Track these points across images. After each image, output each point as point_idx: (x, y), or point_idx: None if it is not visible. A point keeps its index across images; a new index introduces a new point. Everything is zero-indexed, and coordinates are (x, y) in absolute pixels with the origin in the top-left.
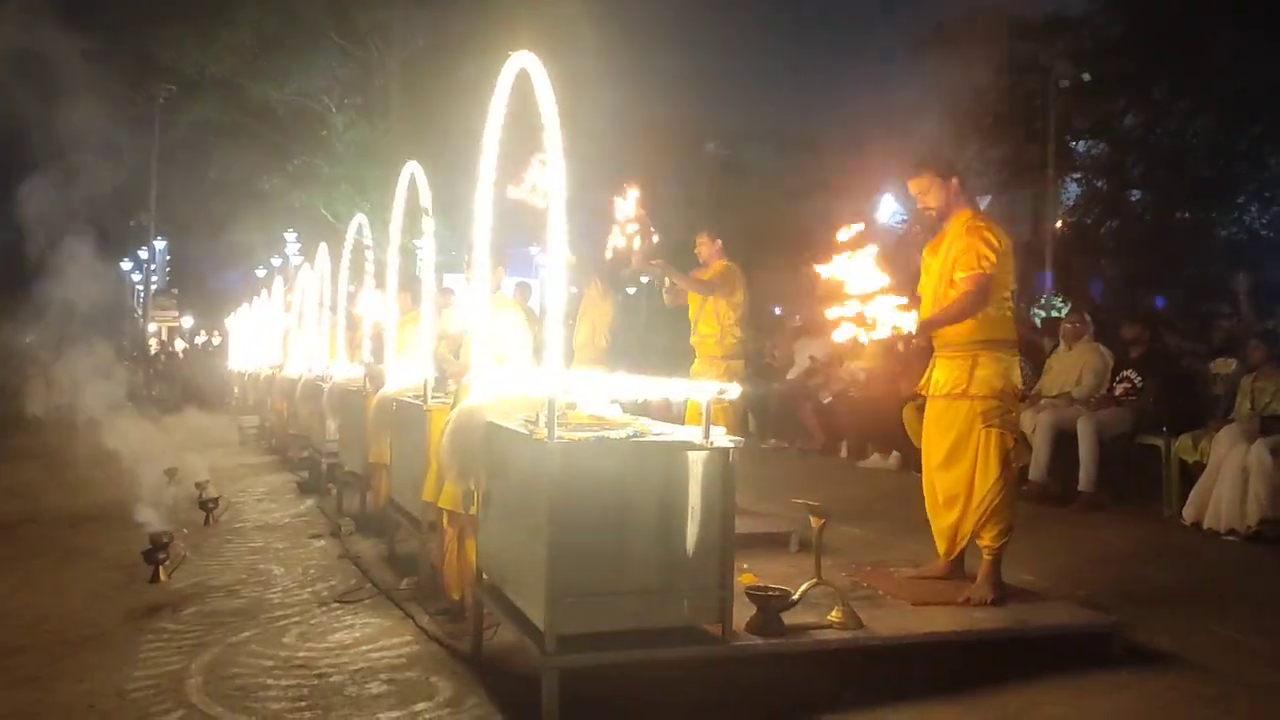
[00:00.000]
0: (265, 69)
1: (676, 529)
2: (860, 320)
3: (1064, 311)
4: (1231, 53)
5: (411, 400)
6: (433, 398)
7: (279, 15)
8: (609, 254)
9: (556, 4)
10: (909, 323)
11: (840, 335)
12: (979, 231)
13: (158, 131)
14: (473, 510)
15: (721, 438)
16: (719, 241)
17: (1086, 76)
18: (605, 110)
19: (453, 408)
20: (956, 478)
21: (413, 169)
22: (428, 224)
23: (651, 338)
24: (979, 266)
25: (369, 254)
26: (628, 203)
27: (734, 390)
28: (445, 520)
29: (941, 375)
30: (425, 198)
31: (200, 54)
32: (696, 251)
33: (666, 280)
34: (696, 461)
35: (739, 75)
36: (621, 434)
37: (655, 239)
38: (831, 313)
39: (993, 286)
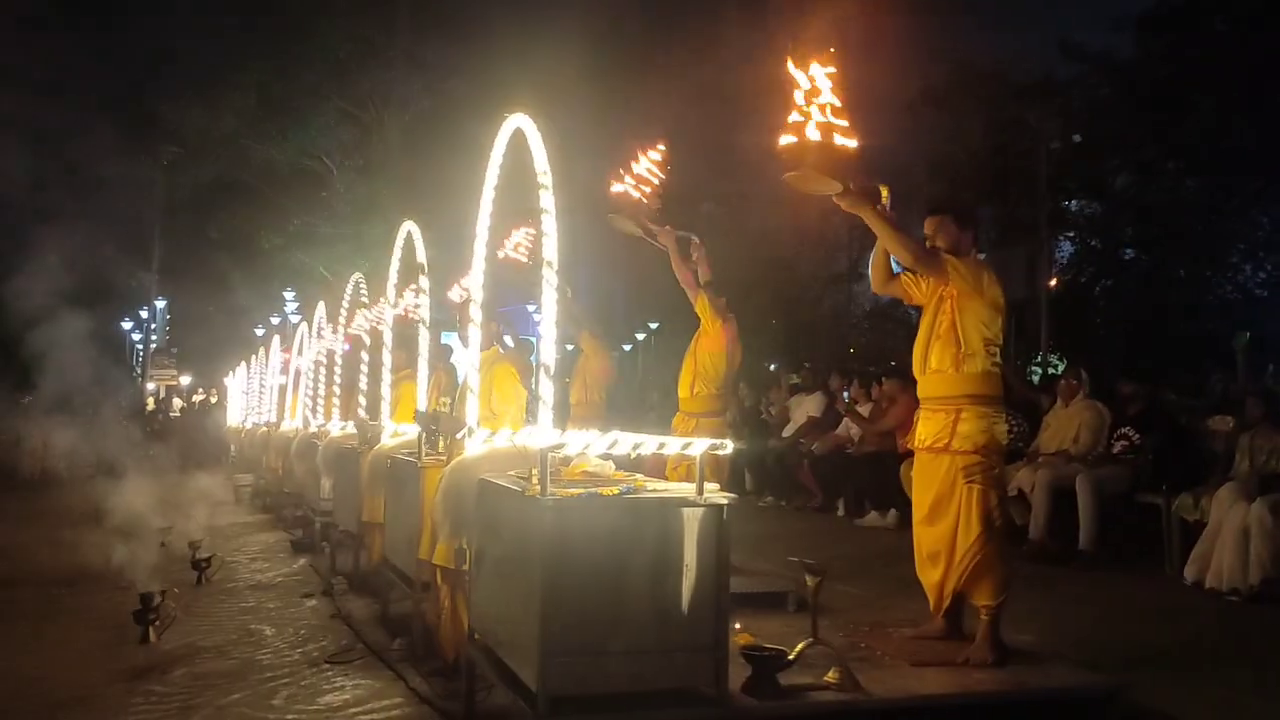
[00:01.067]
0: (268, 130)
1: (671, 587)
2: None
3: (1060, 368)
4: (1215, 116)
5: (405, 458)
6: (427, 455)
7: (282, 78)
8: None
9: (554, 69)
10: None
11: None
12: (985, 266)
13: (161, 193)
14: (465, 567)
15: (716, 494)
16: (723, 299)
17: (1077, 138)
18: (600, 172)
19: (446, 464)
20: (939, 534)
21: (409, 228)
22: (424, 282)
23: (646, 394)
24: (954, 262)
25: (366, 312)
26: (646, 160)
27: (729, 446)
28: (439, 578)
29: (925, 429)
30: (421, 255)
31: (205, 116)
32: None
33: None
34: (691, 518)
35: (732, 136)
36: (615, 490)
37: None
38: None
39: (938, 275)
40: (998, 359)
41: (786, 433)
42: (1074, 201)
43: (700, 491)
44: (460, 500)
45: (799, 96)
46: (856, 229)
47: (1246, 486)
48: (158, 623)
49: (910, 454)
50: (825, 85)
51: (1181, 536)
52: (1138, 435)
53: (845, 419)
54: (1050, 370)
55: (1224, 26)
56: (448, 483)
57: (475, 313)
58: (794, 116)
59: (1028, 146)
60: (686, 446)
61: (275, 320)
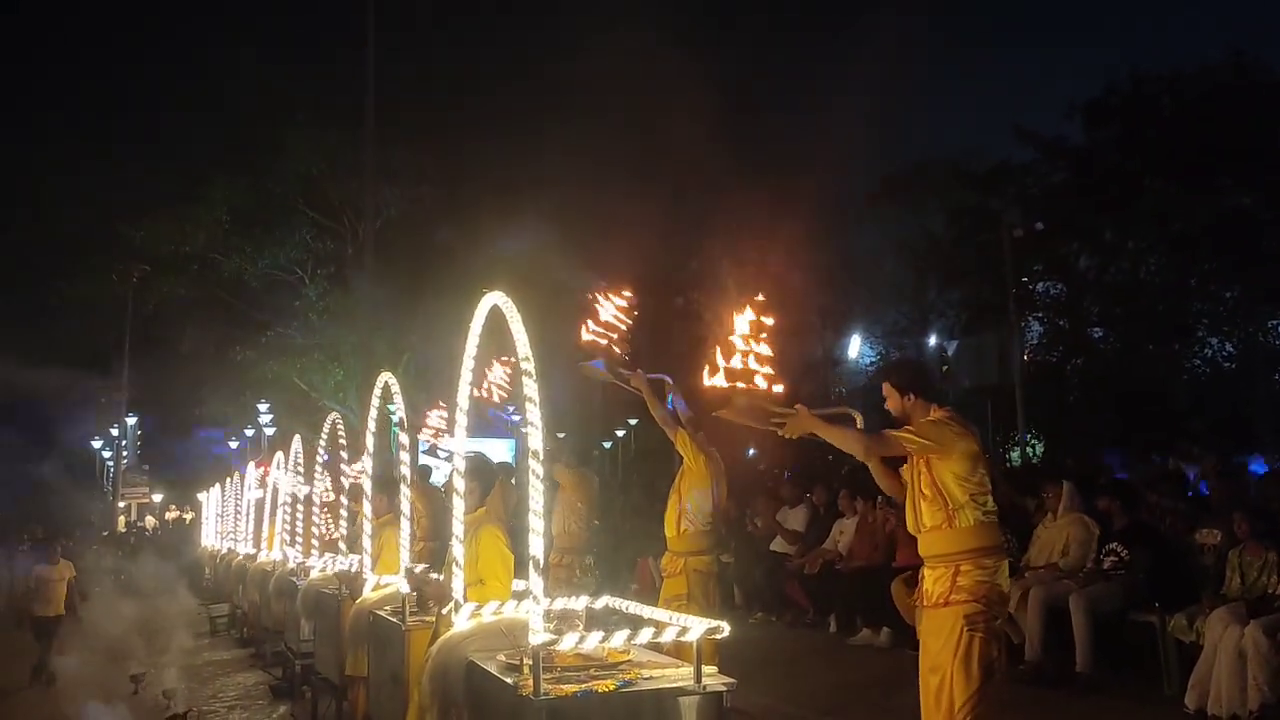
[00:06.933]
0: (238, 244)
1: None
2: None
3: (1038, 449)
4: (1165, 198)
5: (389, 617)
6: (412, 617)
7: (251, 192)
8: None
9: (524, 172)
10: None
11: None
12: (942, 422)
13: (130, 312)
14: None
15: (714, 679)
16: (701, 433)
17: (1040, 226)
18: (574, 265)
19: (433, 635)
20: (939, 683)
21: (386, 379)
22: (403, 438)
23: (624, 497)
24: (902, 435)
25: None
26: (610, 306)
27: (724, 629)
28: None
29: (929, 586)
30: (400, 410)
31: (174, 233)
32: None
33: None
34: (689, 708)
35: (701, 228)
36: (610, 684)
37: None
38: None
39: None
40: (989, 506)
41: (773, 547)
42: (1040, 283)
43: (698, 678)
44: (448, 682)
45: (729, 341)
46: (831, 315)
47: (1239, 608)
48: None
49: (902, 570)
50: (749, 330)
51: (1178, 655)
52: (1125, 550)
53: (834, 532)
54: (1029, 450)
55: (1172, 110)
56: (435, 663)
57: (459, 483)
58: (720, 361)
59: (990, 232)
60: (683, 633)
61: (249, 432)
